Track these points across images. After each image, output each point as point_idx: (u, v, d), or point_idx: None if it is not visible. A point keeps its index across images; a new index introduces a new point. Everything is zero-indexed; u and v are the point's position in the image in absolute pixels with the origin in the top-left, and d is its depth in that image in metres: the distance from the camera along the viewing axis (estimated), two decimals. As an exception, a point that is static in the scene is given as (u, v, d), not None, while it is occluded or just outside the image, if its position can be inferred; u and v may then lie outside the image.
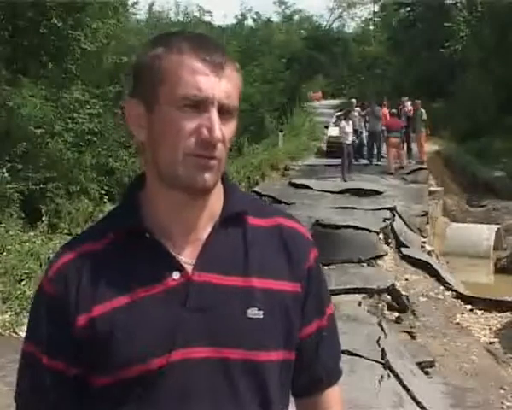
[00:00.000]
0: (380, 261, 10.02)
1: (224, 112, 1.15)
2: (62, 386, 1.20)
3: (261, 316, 1.19)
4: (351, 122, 17.84)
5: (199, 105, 1.14)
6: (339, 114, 24.14)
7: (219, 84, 1.15)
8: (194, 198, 1.19)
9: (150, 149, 1.20)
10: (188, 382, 1.16)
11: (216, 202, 1.23)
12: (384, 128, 18.71)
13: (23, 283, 7.65)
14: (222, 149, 1.16)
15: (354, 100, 22.45)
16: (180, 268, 1.19)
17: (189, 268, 1.19)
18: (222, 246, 1.21)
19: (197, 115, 1.14)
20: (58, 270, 1.22)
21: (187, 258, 1.20)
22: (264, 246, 1.24)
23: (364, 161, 19.52)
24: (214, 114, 1.14)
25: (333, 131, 22.40)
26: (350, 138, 17.43)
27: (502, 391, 6.25)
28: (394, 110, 19.37)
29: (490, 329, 8.21)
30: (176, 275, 1.18)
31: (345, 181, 16.02)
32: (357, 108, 20.77)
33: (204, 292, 1.18)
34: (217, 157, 1.16)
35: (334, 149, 21.21)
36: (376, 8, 50.31)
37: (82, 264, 1.20)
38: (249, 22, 33.18)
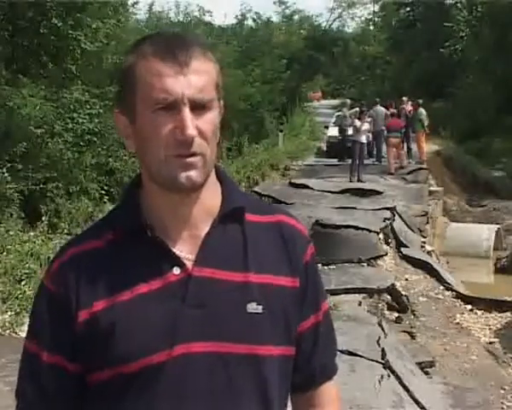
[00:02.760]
0: (380, 261, 10.02)
1: (198, 107, 1.16)
2: (63, 382, 1.21)
3: (260, 311, 1.21)
4: (366, 121, 17.54)
5: (171, 107, 1.15)
6: (338, 113, 24.17)
7: (187, 81, 1.15)
8: (186, 195, 1.21)
9: (139, 155, 1.23)
10: (188, 376, 1.17)
11: (213, 199, 1.25)
12: (384, 128, 18.71)
13: (23, 283, 7.64)
14: (202, 143, 1.17)
15: (348, 100, 22.53)
16: (180, 264, 1.20)
17: (189, 264, 1.20)
18: (221, 242, 1.23)
19: (171, 117, 1.16)
20: (59, 267, 1.23)
21: (187, 254, 1.21)
22: (262, 242, 1.26)
23: (369, 161, 19.33)
24: (185, 113, 1.15)
25: (333, 131, 22.43)
26: (364, 138, 17.23)
27: (502, 391, 6.25)
28: (394, 110, 19.38)
29: (490, 329, 8.21)
30: (176, 271, 1.20)
31: (351, 181, 15.93)
32: (357, 109, 20.78)
33: (204, 287, 1.19)
34: (197, 153, 1.17)
35: (334, 149, 21.26)
36: (376, 8, 50.36)
37: (83, 261, 1.22)
38: (249, 22, 33.13)
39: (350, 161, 17.39)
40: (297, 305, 1.27)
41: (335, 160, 20.18)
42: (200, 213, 1.23)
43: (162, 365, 1.16)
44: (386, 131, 18.54)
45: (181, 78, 1.15)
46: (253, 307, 1.20)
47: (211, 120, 1.19)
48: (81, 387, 1.21)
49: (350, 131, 18.78)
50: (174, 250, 1.21)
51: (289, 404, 1.33)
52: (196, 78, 1.16)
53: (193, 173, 1.17)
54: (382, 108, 19.58)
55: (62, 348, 1.20)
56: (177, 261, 1.20)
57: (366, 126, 17.37)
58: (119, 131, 1.25)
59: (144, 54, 1.18)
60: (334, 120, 24.45)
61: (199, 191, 1.21)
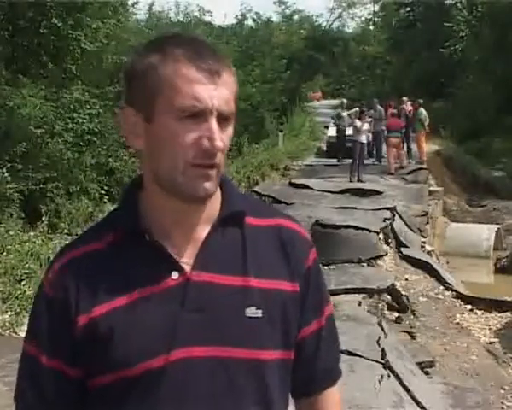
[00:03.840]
0: (380, 261, 10.02)
1: (222, 119, 1.15)
2: (62, 386, 1.21)
3: (260, 315, 1.20)
4: (366, 121, 17.53)
5: (198, 115, 1.13)
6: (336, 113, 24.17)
7: (217, 92, 1.14)
8: (193, 205, 1.20)
9: (148, 157, 1.19)
10: (188, 381, 1.17)
11: (214, 203, 1.24)
12: (384, 128, 18.71)
13: (23, 283, 7.64)
14: (220, 156, 1.17)
15: (345, 100, 22.57)
16: (179, 268, 1.19)
17: (187, 268, 1.20)
18: (220, 246, 1.22)
19: (196, 125, 1.14)
20: (58, 271, 1.22)
21: (186, 258, 1.20)
22: (262, 246, 1.25)
23: (369, 161, 19.23)
24: (214, 123, 1.14)
25: (332, 131, 22.44)
26: (364, 137, 17.20)
27: (502, 391, 6.25)
28: (394, 110, 19.38)
29: (490, 329, 8.21)
30: (175, 275, 1.19)
31: (351, 181, 15.91)
32: (357, 109, 20.77)
33: (203, 292, 1.19)
34: (216, 165, 1.16)
35: (334, 148, 21.26)
36: (376, 8, 50.35)
37: (82, 265, 1.21)
38: (249, 22, 33.15)
39: (348, 160, 17.40)
40: (297, 310, 1.26)
41: (335, 160, 20.22)
42: (201, 218, 1.22)
43: (162, 369, 1.16)
44: (386, 131, 18.54)
45: (212, 87, 1.13)
46: (253, 312, 1.20)
47: (230, 133, 1.19)
48: (81, 392, 1.21)
49: (349, 131, 18.79)
50: (173, 254, 1.20)
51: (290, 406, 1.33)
52: (224, 89, 1.15)
53: (209, 185, 1.16)
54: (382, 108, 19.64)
55: (61, 352, 1.20)
56: (176, 266, 1.19)
57: (366, 126, 17.37)
58: (124, 126, 1.21)
59: (174, 56, 1.14)
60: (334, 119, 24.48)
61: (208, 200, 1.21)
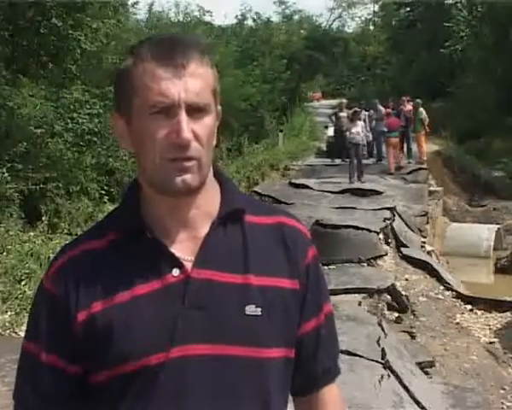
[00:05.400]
0: (380, 261, 10.02)
1: (195, 110, 1.16)
2: (61, 383, 1.21)
3: (259, 313, 1.20)
4: (360, 123, 17.38)
5: (167, 110, 1.15)
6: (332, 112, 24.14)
7: (183, 84, 1.15)
8: (182, 199, 1.20)
9: (136, 157, 1.23)
10: (186, 378, 1.17)
11: (213, 200, 1.25)
12: (385, 128, 18.68)
13: (23, 283, 7.64)
14: (197, 147, 1.17)
15: (344, 101, 22.59)
16: (180, 265, 1.20)
17: (188, 265, 1.20)
18: (220, 243, 1.23)
19: (167, 121, 1.16)
20: (58, 268, 1.23)
21: (186, 255, 1.21)
22: (262, 243, 1.25)
23: (369, 161, 19.12)
24: (181, 116, 1.15)
25: (332, 131, 22.43)
26: (358, 138, 17.16)
27: (502, 391, 6.25)
28: (390, 110, 19.36)
29: (490, 329, 8.21)
30: (175, 272, 1.20)
31: (351, 183, 15.83)
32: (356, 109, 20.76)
33: (203, 289, 1.19)
34: (193, 157, 1.16)
35: (334, 148, 21.26)
36: (376, 8, 50.32)
37: (82, 262, 1.22)
38: (249, 22, 33.14)
39: (347, 161, 17.41)
40: (297, 307, 1.26)
41: (335, 160, 20.20)
42: (199, 215, 1.23)
43: (161, 366, 1.16)
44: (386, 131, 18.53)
45: (177, 81, 1.15)
46: (252, 310, 1.20)
47: (207, 124, 1.18)
48: (80, 388, 1.21)
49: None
50: (174, 252, 1.21)
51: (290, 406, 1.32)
52: (193, 81, 1.16)
53: (188, 177, 1.16)
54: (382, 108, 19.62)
55: (61, 349, 1.20)
56: (177, 263, 1.20)
57: (357, 128, 17.03)
58: (116, 132, 1.25)
59: (142, 56, 1.17)
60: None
61: (196, 194, 1.21)
